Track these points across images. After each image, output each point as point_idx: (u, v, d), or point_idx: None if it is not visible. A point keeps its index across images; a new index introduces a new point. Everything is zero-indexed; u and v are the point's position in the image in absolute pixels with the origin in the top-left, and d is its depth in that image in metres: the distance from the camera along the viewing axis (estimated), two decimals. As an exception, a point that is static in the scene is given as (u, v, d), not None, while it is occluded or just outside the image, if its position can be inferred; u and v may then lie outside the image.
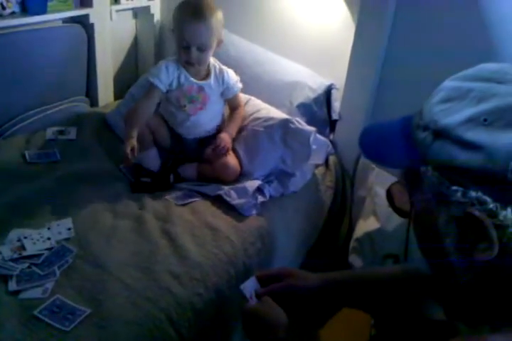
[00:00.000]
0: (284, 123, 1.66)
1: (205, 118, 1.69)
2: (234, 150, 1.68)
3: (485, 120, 0.55)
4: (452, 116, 0.58)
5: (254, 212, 1.51)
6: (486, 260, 0.56)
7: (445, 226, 0.60)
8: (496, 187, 0.54)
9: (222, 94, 1.69)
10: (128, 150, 1.49)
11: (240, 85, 1.70)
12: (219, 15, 1.54)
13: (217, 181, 1.61)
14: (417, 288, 0.94)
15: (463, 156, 0.56)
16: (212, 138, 1.69)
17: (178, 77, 1.60)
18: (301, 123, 1.67)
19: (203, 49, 1.53)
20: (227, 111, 1.79)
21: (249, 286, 0.97)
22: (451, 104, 0.60)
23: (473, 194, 0.55)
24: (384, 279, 1.01)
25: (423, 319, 0.95)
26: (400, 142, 0.66)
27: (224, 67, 1.67)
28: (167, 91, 1.63)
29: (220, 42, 1.59)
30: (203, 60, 1.57)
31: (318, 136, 1.71)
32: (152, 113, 1.65)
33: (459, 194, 0.56)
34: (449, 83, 0.63)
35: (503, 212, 0.54)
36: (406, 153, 0.64)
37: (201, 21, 1.49)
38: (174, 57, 1.63)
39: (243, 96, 1.81)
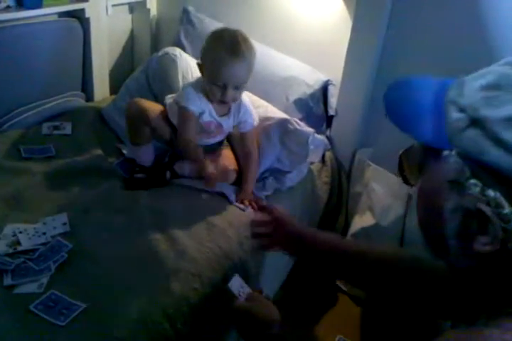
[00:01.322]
0: (283, 124, 1.66)
1: (214, 140, 1.66)
2: (233, 150, 1.68)
3: None
4: (495, 109, 0.54)
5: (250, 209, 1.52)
6: (484, 253, 0.56)
7: (451, 213, 0.58)
8: None
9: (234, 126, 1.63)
10: (210, 169, 1.50)
11: (254, 123, 1.60)
12: (254, 49, 1.46)
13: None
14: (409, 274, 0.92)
15: (495, 154, 0.52)
16: (216, 144, 1.67)
17: (204, 110, 1.53)
18: (299, 124, 1.66)
19: (239, 87, 1.46)
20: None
21: (236, 284, 0.98)
22: (497, 92, 0.55)
23: (491, 193, 0.53)
24: (375, 255, 0.98)
25: (410, 312, 0.95)
26: (430, 114, 0.60)
27: (244, 101, 1.57)
28: None
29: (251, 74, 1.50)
30: (237, 98, 1.51)
31: (316, 136, 1.71)
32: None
33: (477, 189, 0.54)
34: (501, 68, 0.58)
35: None
36: (434, 129, 0.59)
37: (241, 61, 1.40)
38: (199, 84, 1.52)
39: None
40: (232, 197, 1.54)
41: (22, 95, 1.87)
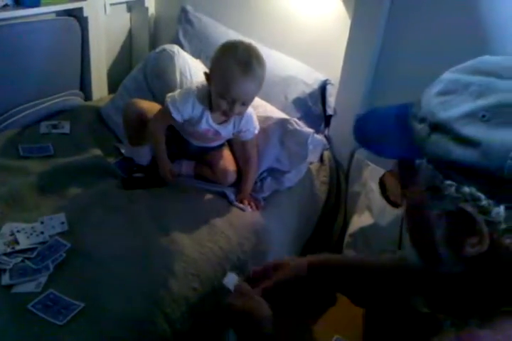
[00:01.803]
0: (283, 124, 1.65)
1: (213, 144, 1.66)
2: (232, 150, 1.67)
3: (483, 116, 0.54)
4: (450, 110, 0.57)
5: (250, 209, 1.53)
6: (475, 254, 0.56)
7: (437, 219, 0.60)
8: (490, 184, 0.54)
9: (233, 135, 1.61)
10: (168, 174, 1.52)
11: (255, 131, 1.58)
12: (265, 64, 1.43)
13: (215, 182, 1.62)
14: (404, 279, 0.94)
15: (459, 151, 0.55)
16: (215, 147, 1.67)
17: (200, 118, 1.51)
18: (299, 124, 1.66)
19: (246, 104, 1.43)
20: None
21: (231, 281, 0.98)
22: (450, 97, 0.59)
23: (466, 189, 0.55)
24: (373, 267, 1.00)
25: (411, 312, 0.95)
26: (396, 132, 0.64)
27: (247, 111, 1.52)
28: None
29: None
30: (242, 113, 1.48)
31: (315, 136, 1.71)
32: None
33: (452, 189, 0.56)
34: (449, 75, 0.62)
35: (496, 209, 0.54)
36: (401, 144, 0.63)
37: (253, 79, 1.38)
38: (200, 93, 1.49)
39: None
40: (232, 196, 1.54)
41: (20, 94, 1.87)
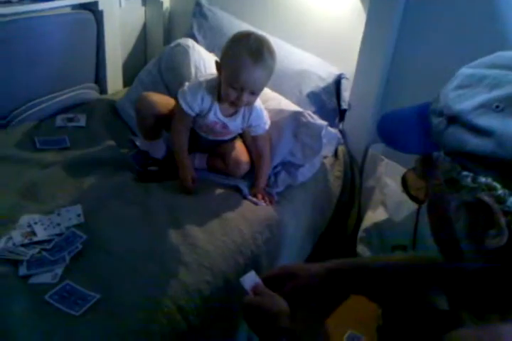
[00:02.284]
0: (296, 117, 1.64)
1: (223, 138, 1.65)
2: (250, 147, 1.67)
3: (497, 106, 0.56)
4: (465, 102, 0.59)
5: (263, 203, 1.53)
6: (497, 247, 0.56)
7: (456, 212, 0.60)
8: (506, 174, 0.55)
9: (243, 129, 1.61)
10: (189, 180, 1.51)
11: (265, 127, 1.57)
12: (276, 56, 1.42)
13: (228, 174, 1.62)
14: (423, 276, 0.94)
15: (474, 142, 0.56)
16: (229, 139, 1.66)
17: (209, 110, 1.51)
18: (312, 116, 1.65)
19: (255, 93, 1.43)
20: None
21: (249, 280, 0.98)
22: (466, 90, 0.60)
23: (482, 179, 0.56)
24: (389, 267, 1.00)
25: (429, 309, 0.95)
26: (417, 127, 0.66)
27: (256, 105, 1.52)
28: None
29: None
30: (251, 103, 1.47)
31: (329, 129, 1.70)
32: (188, 132, 1.58)
33: (469, 179, 0.57)
34: (466, 70, 0.64)
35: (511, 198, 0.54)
36: (422, 139, 0.64)
37: (263, 68, 1.38)
38: (209, 83, 1.50)
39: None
40: (246, 190, 1.54)
41: (36, 87, 1.88)
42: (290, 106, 1.73)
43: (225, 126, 1.55)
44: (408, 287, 0.98)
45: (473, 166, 0.57)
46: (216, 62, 1.47)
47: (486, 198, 0.55)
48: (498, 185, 0.55)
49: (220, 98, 1.49)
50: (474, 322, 0.64)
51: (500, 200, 0.55)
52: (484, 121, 0.56)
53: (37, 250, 1.22)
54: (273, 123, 1.64)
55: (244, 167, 1.60)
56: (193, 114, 1.51)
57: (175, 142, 1.56)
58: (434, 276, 0.91)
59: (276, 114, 1.67)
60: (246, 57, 1.36)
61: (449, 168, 0.60)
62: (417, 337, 0.89)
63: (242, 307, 0.95)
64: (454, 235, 0.62)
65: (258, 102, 1.54)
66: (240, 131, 1.63)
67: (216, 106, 1.50)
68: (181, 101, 1.49)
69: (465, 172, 0.57)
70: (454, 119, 0.59)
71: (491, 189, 0.55)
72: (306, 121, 1.63)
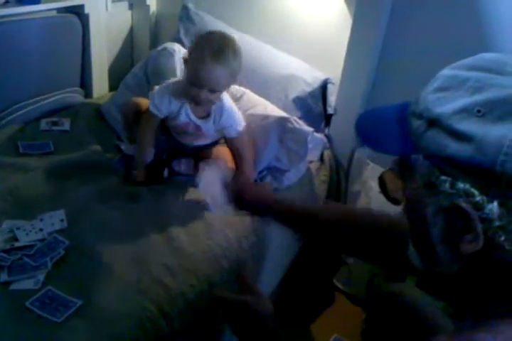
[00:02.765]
0: (282, 122, 1.64)
1: (203, 142, 1.64)
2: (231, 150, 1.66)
3: (478, 111, 0.55)
4: (446, 106, 0.58)
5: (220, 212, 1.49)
6: (472, 252, 0.56)
7: (433, 216, 0.60)
8: (484, 180, 0.54)
9: (217, 132, 1.59)
10: (141, 179, 1.53)
11: (238, 128, 1.54)
12: (240, 57, 1.41)
13: None
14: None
15: (454, 147, 0.55)
16: (209, 145, 1.65)
17: (179, 112, 1.51)
18: (298, 122, 1.65)
19: (215, 91, 1.41)
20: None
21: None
22: (447, 92, 0.59)
23: (461, 185, 0.55)
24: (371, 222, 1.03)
25: (412, 314, 0.95)
26: (396, 128, 0.65)
27: (227, 106, 1.51)
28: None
29: (235, 81, 1.47)
30: (211, 101, 1.46)
31: (315, 135, 1.70)
32: (153, 132, 1.58)
33: (447, 184, 0.56)
34: (447, 71, 0.62)
35: (489, 206, 0.54)
36: (401, 140, 0.63)
37: (223, 66, 1.36)
38: (175, 85, 1.51)
39: (237, 90, 1.80)
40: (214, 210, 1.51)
41: (20, 91, 1.87)
42: (276, 111, 1.73)
43: (197, 127, 1.55)
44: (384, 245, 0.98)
45: (452, 171, 0.56)
46: (183, 59, 1.47)
47: (464, 205, 0.55)
48: (476, 192, 0.54)
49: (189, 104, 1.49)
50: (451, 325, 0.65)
51: (478, 207, 0.54)
52: (465, 125, 0.55)
53: (18, 256, 1.20)
54: (259, 129, 1.64)
55: (225, 172, 1.59)
56: (160, 115, 1.52)
57: (138, 140, 1.57)
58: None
59: (263, 119, 1.67)
60: (207, 56, 1.35)
61: (427, 172, 0.59)
62: None
63: (222, 305, 0.92)
64: (430, 238, 0.61)
65: (228, 103, 1.52)
66: (214, 133, 1.60)
67: (187, 106, 1.50)
68: (150, 103, 1.51)
69: (443, 177, 0.56)
70: (434, 123, 0.58)
71: (468, 195, 0.55)
72: (292, 127, 1.63)
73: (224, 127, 1.54)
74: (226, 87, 1.45)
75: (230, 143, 1.61)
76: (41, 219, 1.32)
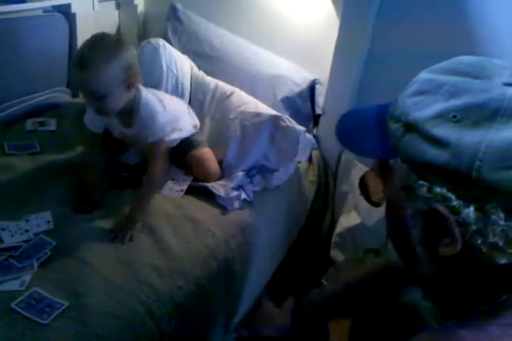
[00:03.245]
0: (275, 121, 1.64)
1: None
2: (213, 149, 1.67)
3: (454, 116, 0.54)
4: (423, 110, 0.57)
5: (236, 205, 1.50)
6: (450, 254, 0.57)
7: (412, 219, 0.60)
8: (460, 185, 0.54)
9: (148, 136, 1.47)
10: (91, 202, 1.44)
11: (160, 135, 1.45)
12: (114, 56, 1.30)
13: None
14: (395, 280, 0.95)
15: (430, 152, 0.55)
16: (188, 141, 1.64)
17: (109, 124, 1.50)
18: (291, 121, 1.65)
19: (98, 97, 1.31)
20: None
21: None
22: (423, 97, 0.59)
23: (438, 190, 0.55)
24: (356, 287, 1.03)
25: (399, 314, 0.96)
26: (374, 131, 0.64)
27: (143, 111, 1.42)
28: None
29: (130, 85, 1.36)
30: (106, 109, 1.36)
31: (306, 135, 1.70)
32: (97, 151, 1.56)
33: (424, 189, 0.56)
34: (424, 75, 0.62)
35: (466, 210, 0.54)
36: (380, 143, 0.63)
37: (84, 69, 1.27)
38: None
39: (227, 88, 1.80)
40: (221, 191, 1.52)
41: (6, 91, 1.85)
42: (268, 110, 1.73)
43: (134, 136, 1.48)
44: (379, 295, 0.98)
45: (429, 176, 0.56)
46: None
47: (441, 209, 0.55)
48: (452, 196, 0.54)
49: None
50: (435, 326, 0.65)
51: (455, 211, 0.54)
52: (441, 131, 0.55)
53: (4, 257, 1.19)
54: (250, 126, 1.64)
55: (212, 177, 1.59)
56: (97, 131, 1.53)
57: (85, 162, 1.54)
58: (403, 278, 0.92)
59: (255, 116, 1.67)
60: (74, 66, 1.32)
61: (405, 176, 0.58)
62: None
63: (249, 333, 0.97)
64: (409, 240, 0.61)
65: (145, 109, 1.43)
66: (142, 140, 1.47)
67: (113, 119, 1.46)
68: (85, 121, 1.52)
69: (421, 182, 0.56)
70: (411, 127, 0.58)
71: (445, 200, 0.54)
72: (285, 126, 1.63)
73: (143, 131, 1.45)
74: (108, 90, 1.31)
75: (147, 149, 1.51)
76: (27, 220, 1.31)
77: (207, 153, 1.65)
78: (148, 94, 1.46)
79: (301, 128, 1.64)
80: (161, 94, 1.63)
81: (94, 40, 1.33)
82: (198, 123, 1.72)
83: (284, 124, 1.63)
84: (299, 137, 1.61)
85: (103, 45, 1.32)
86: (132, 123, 1.45)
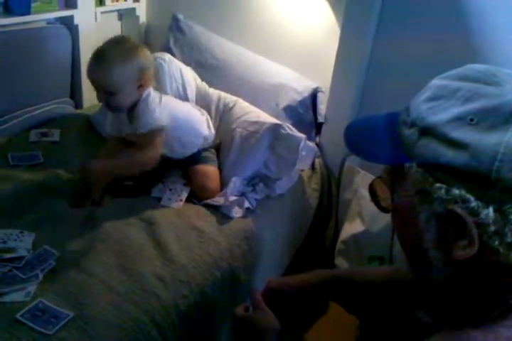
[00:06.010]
0: (275, 129, 1.64)
1: (173, 145, 1.59)
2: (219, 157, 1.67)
3: (471, 120, 0.56)
4: (439, 115, 0.59)
5: (239, 213, 1.50)
6: (465, 258, 0.57)
7: (426, 223, 0.60)
8: (479, 186, 0.55)
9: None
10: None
11: (149, 126, 1.46)
12: (128, 55, 1.39)
13: None
14: (401, 291, 0.95)
15: (448, 154, 0.56)
16: (197, 155, 1.65)
17: (114, 123, 1.56)
18: (292, 129, 1.65)
19: (111, 93, 1.39)
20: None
21: None
22: (439, 102, 0.60)
23: (456, 191, 0.56)
24: (368, 282, 1.01)
25: (408, 320, 0.96)
26: (385, 138, 0.66)
27: (141, 105, 1.47)
28: None
29: (141, 86, 1.44)
30: (117, 104, 1.43)
31: (307, 143, 1.71)
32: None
33: (442, 191, 0.57)
34: (437, 82, 0.64)
35: (485, 211, 0.54)
36: (390, 149, 0.64)
37: (101, 65, 1.37)
38: None
39: (229, 98, 1.81)
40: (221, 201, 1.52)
41: (10, 102, 1.86)
42: (269, 118, 1.74)
43: (126, 126, 1.52)
44: (388, 302, 0.98)
45: (447, 178, 0.57)
46: None
47: (460, 210, 0.55)
48: (471, 198, 0.55)
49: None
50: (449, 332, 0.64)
51: (474, 213, 0.55)
52: (459, 134, 0.56)
53: (8, 268, 1.18)
54: (251, 134, 1.64)
55: (210, 194, 1.56)
56: (104, 134, 1.59)
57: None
58: (412, 292, 0.91)
59: (255, 125, 1.67)
60: (91, 59, 1.40)
61: (421, 180, 0.59)
62: None
63: (233, 320, 0.95)
64: (421, 245, 0.62)
65: (147, 101, 1.47)
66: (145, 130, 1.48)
67: (123, 115, 1.51)
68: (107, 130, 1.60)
69: (438, 184, 0.57)
70: (427, 131, 0.59)
71: (464, 201, 0.55)
72: (286, 133, 1.63)
73: (137, 117, 1.47)
74: (119, 87, 1.39)
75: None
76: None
77: (211, 172, 1.63)
78: (155, 95, 1.51)
79: (301, 135, 1.64)
80: (173, 100, 1.67)
81: (116, 39, 1.44)
82: (211, 137, 1.70)
83: (284, 132, 1.63)
84: (300, 144, 1.61)
85: (123, 45, 1.41)
86: (132, 120, 1.49)
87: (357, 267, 1.72)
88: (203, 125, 1.68)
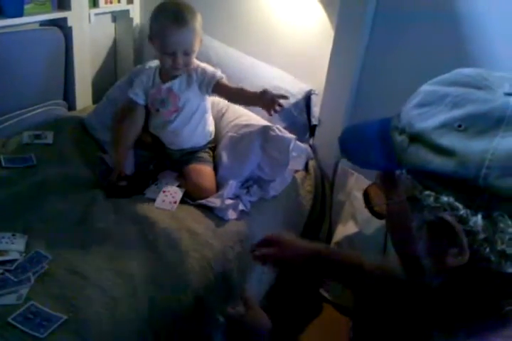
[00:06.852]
0: (264, 130, 1.65)
1: (187, 128, 1.63)
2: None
3: (459, 126, 0.55)
4: (427, 121, 0.58)
5: (233, 216, 1.50)
6: (457, 265, 0.56)
7: (418, 230, 0.60)
8: (467, 194, 0.54)
9: (202, 89, 1.59)
10: (115, 178, 1.56)
11: (219, 73, 1.59)
12: (199, 17, 1.53)
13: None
14: (394, 289, 0.95)
15: (436, 161, 0.56)
16: (197, 151, 1.66)
17: (153, 84, 1.61)
18: (281, 130, 1.66)
19: (188, 53, 1.51)
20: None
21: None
22: (428, 108, 0.60)
23: (445, 199, 0.55)
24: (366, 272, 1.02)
25: (400, 322, 0.96)
26: (378, 144, 0.65)
27: (200, 64, 1.61)
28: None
29: (201, 41, 1.56)
30: (189, 63, 1.55)
31: (298, 143, 1.71)
32: (139, 129, 1.66)
33: (431, 199, 0.56)
34: (426, 87, 0.63)
35: (474, 218, 0.54)
36: (383, 155, 0.64)
37: (185, 27, 1.47)
38: (154, 63, 1.64)
39: (222, 103, 1.81)
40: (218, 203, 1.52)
41: (3, 104, 1.85)
42: (260, 121, 1.74)
43: (169, 89, 1.58)
44: (381, 298, 0.98)
45: (435, 185, 0.56)
46: (149, 39, 1.55)
47: (449, 218, 0.55)
48: (460, 205, 0.54)
49: (161, 73, 1.61)
50: (442, 339, 0.64)
51: (463, 220, 0.54)
52: (447, 140, 0.55)
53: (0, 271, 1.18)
54: (241, 137, 1.65)
55: (204, 194, 1.56)
56: (140, 100, 1.62)
57: (121, 135, 1.63)
58: (405, 294, 0.91)
59: (246, 128, 1.68)
60: (167, 22, 1.47)
61: (411, 187, 0.59)
62: None
63: (226, 320, 0.95)
64: (415, 251, 0.61)
65: (200, 63, 1.60)
66: (197, 93, 1.60)
67: (156, 75, 1.62)
68: (129, 92, 1.62)
69: (427, 192, 0.56)
70: (416, 138, 0.59)
71: (453, 209, 0.55)
72: (275, 135, 1.64)
73: (204, 78, 1.58)
74: (196, 45, 1.52)
75: (221, 91, 1.62)
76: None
77: (206, 171, 1.63)
78: None
79: (291, 136, 1.65)
80: None
81: (176, 2, 1.54)
82: (213, 133, 1.75)
83: (273, 133, 1.64)
84: (290, 145, 1.62)
85: (186, 6, 1.51)
86: (176, 77, 1.58)
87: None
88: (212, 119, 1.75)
